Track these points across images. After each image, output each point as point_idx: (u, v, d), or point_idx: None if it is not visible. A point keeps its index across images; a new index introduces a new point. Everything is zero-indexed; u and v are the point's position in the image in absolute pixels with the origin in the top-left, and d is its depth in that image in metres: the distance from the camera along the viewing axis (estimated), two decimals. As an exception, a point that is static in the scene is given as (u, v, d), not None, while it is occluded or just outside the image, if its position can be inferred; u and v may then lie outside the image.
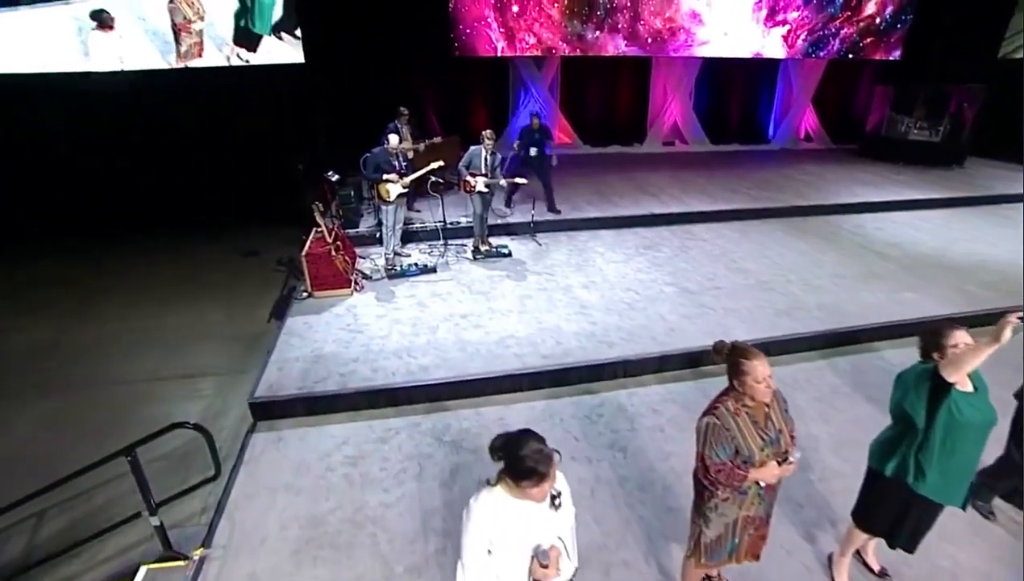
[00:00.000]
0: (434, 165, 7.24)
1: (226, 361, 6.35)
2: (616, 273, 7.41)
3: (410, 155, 8.22)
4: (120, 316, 7.31)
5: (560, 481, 2.27)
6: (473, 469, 4.33)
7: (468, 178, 7.54)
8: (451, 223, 8.17)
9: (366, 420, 4.87)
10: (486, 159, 7.50)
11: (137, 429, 5.13)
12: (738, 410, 2.61)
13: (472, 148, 7.60)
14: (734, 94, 14.75)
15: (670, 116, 14.29)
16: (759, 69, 14.33)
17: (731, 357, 2.63)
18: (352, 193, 8.26)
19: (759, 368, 2.52)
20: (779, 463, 2.61)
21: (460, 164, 7.62)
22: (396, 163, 7.07)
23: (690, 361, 5.66)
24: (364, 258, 7.73)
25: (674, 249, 8.29)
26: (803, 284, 7.15)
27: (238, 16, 9.87)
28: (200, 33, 9.78)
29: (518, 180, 7.54)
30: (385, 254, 7.55)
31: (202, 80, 9.94)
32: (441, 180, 7.41)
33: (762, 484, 2.68)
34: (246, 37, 9.97)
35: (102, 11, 9.22)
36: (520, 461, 2.08)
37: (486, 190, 7.62)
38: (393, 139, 6.91)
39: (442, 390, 5.08)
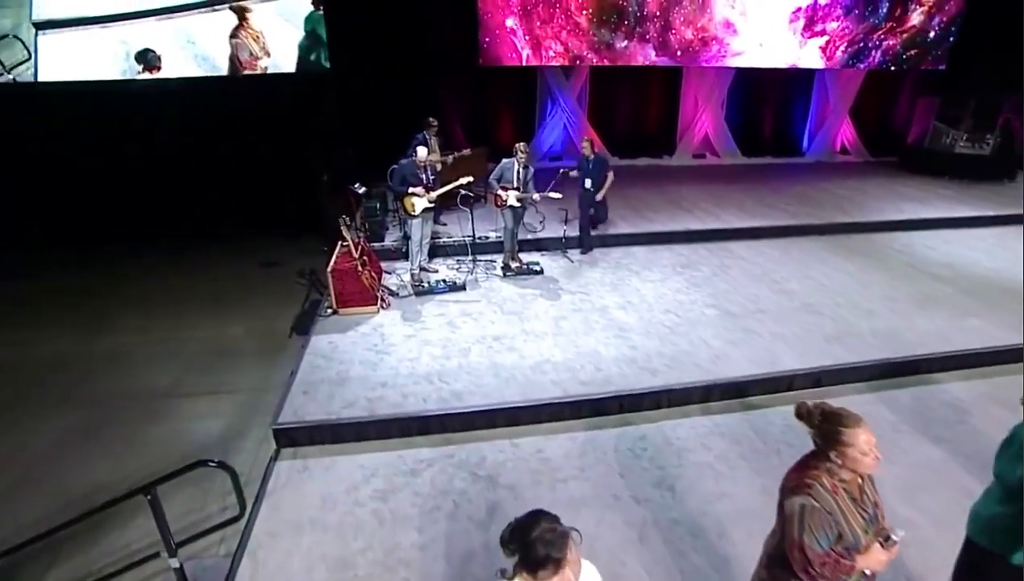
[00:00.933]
0: (462, 180, 7.09)
1: (246, 379, 6.22)
2: (654, 293, 7.16)
3: (438, 167, 8.08)
4: (137, 329, 7.23)
5: (588, 571, 2.00)
6: (510, 508, 4.08)
7: (499, 192, 7.35)
8: (479, 238, 7.97)
9: (396, 450, 4.66)
10: (518, 172, 7.32)
11: (155, 449, 5.02)
12: (835, 486, 2.23)
13: (504, 161, 7.42)
14: (767, 105, 14.46)
15: (701, 127, 14.04)
16: (794, 79, 14.04)
17: (824, 425, 2.26)
18: (377, 205, 8.11)
19: (863, 437, 2.19)
20: (881, 544, 2.29)
21: (491, 177, 7.44)
22: (423, 176, 6.91)
23: (737, 391, 5.39)
24: (389, 273, 7.56)
25: (713, 268, 8.03)
26: (853, 307, 6.84)
27: (306, 50, 9.81)
28: (264, 70, 9.78)
29: (552, 194, 7.32)
30: (411, 269, 7.37)
31: (223, 87, 9.90)
32: (471, 193, 7.20)
33: (867, 572, 2.34)
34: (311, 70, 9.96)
35: (148, 52, 9.16)
36: (532, 548, 1.79)
37: (518, 204, 7.42)
38: (422, 151, 6.77)
39: (477, 419, 4.87)
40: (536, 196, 7.28)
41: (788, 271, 7.92)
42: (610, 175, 8.02)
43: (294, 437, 4.62)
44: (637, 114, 13.83)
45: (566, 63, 12.33)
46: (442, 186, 7.05)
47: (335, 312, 6.45)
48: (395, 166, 8.16)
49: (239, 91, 9.95)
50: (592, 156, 7.93)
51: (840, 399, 5.36)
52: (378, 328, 6.21)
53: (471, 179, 7.15)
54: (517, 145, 7.31)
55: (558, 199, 7.37)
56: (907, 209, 10.49)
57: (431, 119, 8.34)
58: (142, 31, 9.43)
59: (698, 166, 14.03)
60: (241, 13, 9.51)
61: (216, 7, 9.51)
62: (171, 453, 4.93)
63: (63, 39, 9.18)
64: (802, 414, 2.33)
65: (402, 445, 4.71)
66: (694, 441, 4.84)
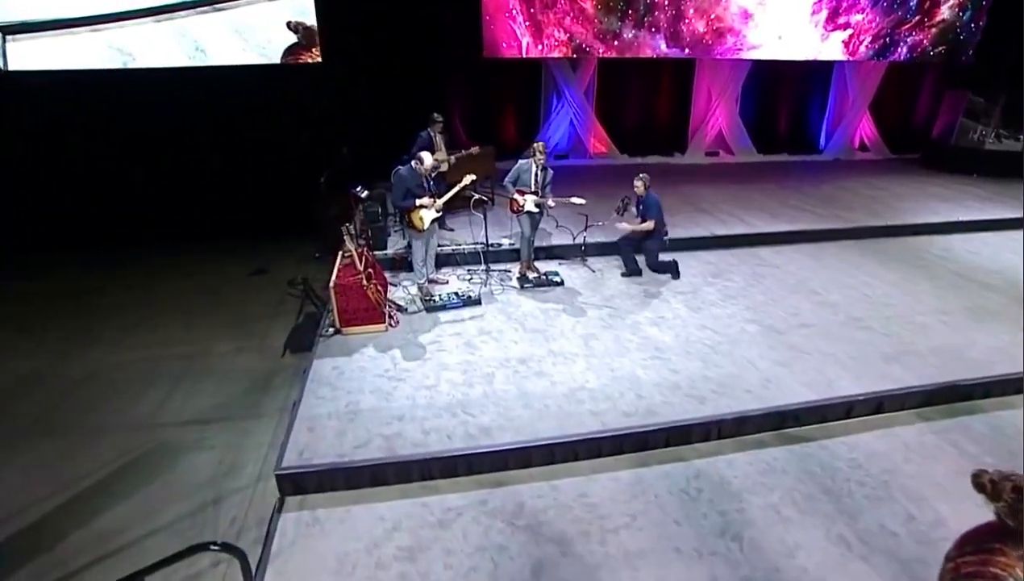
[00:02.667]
0: (466, 180, 6.61)
1: (236, 403, 5.76)
2: (686, 307, 6.77)
3: (443, 167, 7.62)
4: (114, 345, 6.74)
5: None
6: (559, 567, 3.66)
7: (516, 196, 6.92)
8: (492, 245, 7.53)
9: (420, 496, 4.21)
10: (536, 175, 6.89)
11: (136, 493, 4.54)
12: None
13: (520, 161, 7.01)
14: (783, 100, 14.15)
15: (715, 124, 13.70)
16: (812, 73, 13.74)
17: (1019, 501, 1.88)
18: (379, 210, 7.63)
19: None
20: None
21: (506, 179, 7.02)
22: (427, 185, 6.41)
23: (793, 419, 5.02)
24: (395, 285, 7.11)
25: (745, 277, 7.66)
26: (904, 321, 6.50)
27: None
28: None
29: (574, 200, 6.90)
30: (418, 282, 6.91)
31: (209, 80, 9.38)
32: (485, 198, 6.76)
33: None
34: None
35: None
36: None
37: (536, 210, 7.00)
38: (427, 159, 6.25)
39: (510, 458, 4.44)
40: (552, 201, 6.85)
41: (826, 280, 7.58)
42: (650, 224, 7.18)
43: (301, 484, 4.16)
44: (647, 110, 13.46)
45: (569, 54, 11.88)
46: (448, 190, 6.58)
47: (338, 332, 5.99)
48: (397, 171, 7.72)
49: (226, 84, 9.43)
50: (643, 194, 7.20)
51: (906, 428, 5.05)
52: (388, 350, 5.75)
53: (474, 178, 6.68)
54: (535, 144, 6.90)
55: (580, 205, 6.92)
56: (941, 210, 10.21)
57: (436, 115, 7.89)
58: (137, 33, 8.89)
59: (711, 164, 13.70)
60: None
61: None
62: (154, 498, 4.48)
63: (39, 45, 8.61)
64: (983, 485, 1.92)
65: (426, 491, 4.27)
66: (753, 479, 4.44)
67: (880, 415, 5.18)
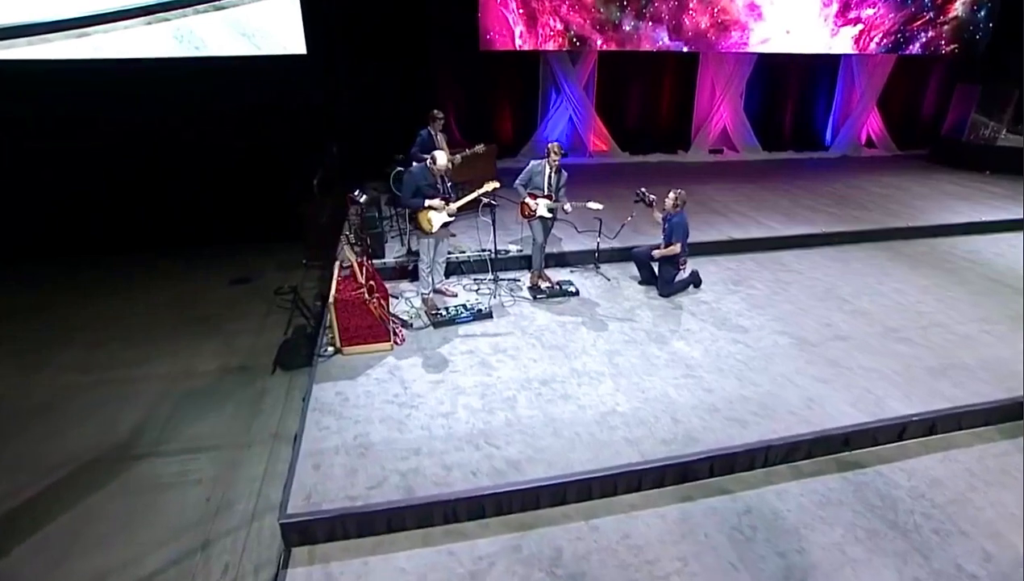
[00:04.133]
0: (487, 187, 6.30)
1: (223, 430, 5.41)
2: (712, 318, 6.51)
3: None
4: (83, 365, 6.34)
5: None
6: (611, 625, 3.32)
7: (528, 200, 6.59)
8: (501, 252, 7.19)
9: (445, 543, 3.86)
10: (550, 177, 6.58)
11: (107, 538, 4.16)
12: None
13: (533, 163, 6.70)
14: (788, 95, 14.01)
15: (719, 120, 13.51)
16: (818, 66, 13.61)
17: None
18: (377, 215, 7.26)
19: None
20: None
21: (517, 182, 6.70)
22: (440, 185, 6.09)
23: (843, 443, 4.76)
24: (396, 298, 6.73)
25: (768, 284, 7.42)
26: (945, 331, 6.29)
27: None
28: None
29: (591, 204, 6.59)
30: (423, 294, 6.55)
31: (183, 73, 8.91)
32: (495, 202, 6.42)
33: None
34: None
35: None
36: None
37: (549, 215, 6.68)
38: (441, 157, 5.94)
39: (542, 494, 4.10)
40: (568, 206, 6.53)
41: (854, 286, 7.37)
42: (676, 247, 6.77)
43: (309, 533, 3.79)
44: (649, 105, 13.22)
45: (566, 46, 11.54)
46: (461, 195, 6.24)
47: (338, 351, 5.60)
48: (401, 169, 7.38)
49: (197, 76, 8.96)
50: (672, 213, 6.77)
51: (966, 451, 4.80)
52: (395, 371, 5.38)
53: (497, 185, 6.36)
54: (549, 145, 6.59)
55: (598, 210, 6.61)
56: (960, 209, 10.11)
57: (436, 112, 7.56)
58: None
59: (716, 162, 13.52)
60: None
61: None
62: (131, 543, 4.12)
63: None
64: None
65: (451, 536, 3.92)
66: (810, 514, 4.16)
67: (935, 436, 4.94)
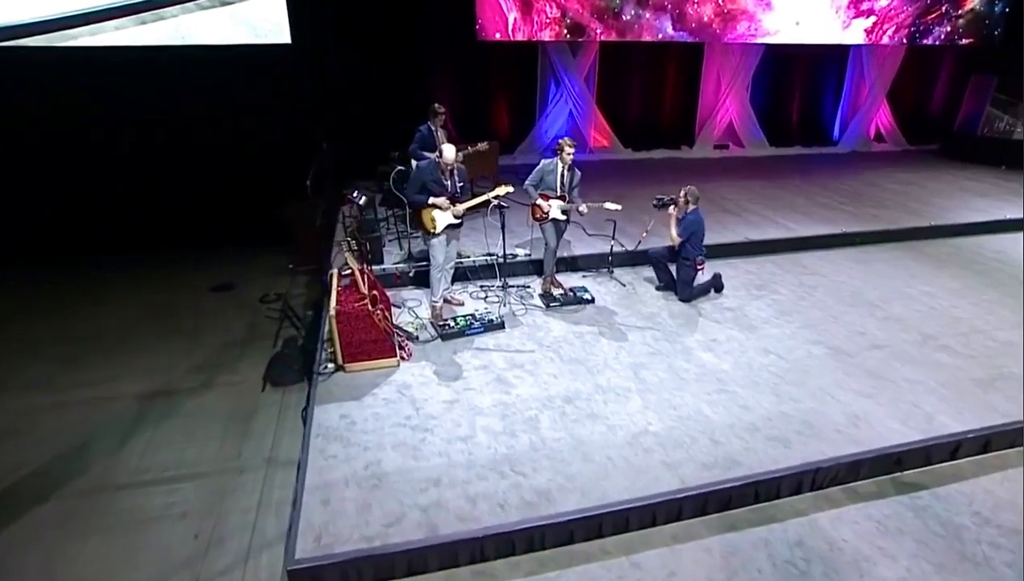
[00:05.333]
0: (500, 190, 6.05)
1: (211, 454, 5.11)
2: (738, 326, 6.33)
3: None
4: (46, 384, 5.97)
5: None
6: (667, 679, 3.08)
7: (540, 202, 6.35)
8: (510, 256, 6.95)
9: (474, 586, 3.58)
10: (562, 175, 6.35)
11: None
12: None
13: (544, 161, 6.46)
14: (795, 87, 13.93)
15: (725, 114, 13.36)
16: (827, 58, 13.53)
17: None
18: (375, 217, 6.99)
19: None
20: None
21: (527, 182, 6.45)
22: (448, 182, 5.83)
23: (895, 463, 4.56)
24: (398, 307, 6.46)
25: (792, 288, 7.25)
26: (985, 338, 6.15)
27: None
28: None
29: (607, 205, 6.37)
30: (433, 302, 6.28)
31: (159, 63, 8.55)
32: (506, 204, 6.16)
33: None
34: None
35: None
36: None
37: (562, 217, 6.45)
38: (449, 151, 5.69)
39: (577, 528, 3.85)
40: (583, 207, 6.29)
41: (883, 290, 7.23)
42: (675, 239, 6.67)
43: (321, 579, 3.48)
44: (652, 99, 13.06)
45: (564, 35, 11.29)
46: (472, 197, 5.98)
47: (339, 368, 5.31)
48: (403, 169, 7.14)
49: (174, 66, 8.61)
50: (688, 211, 6.63)
51: (1041, 475, 4.62)
52: (405, 390, 5.11)
53: (511, 189, 6.11)
54: (561, 140, 6.35)
55: (616, 211, 6.39)
56: (982, 206, 10.06)
57: (437, 106, 7.32)
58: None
59: (722, 159, 13.43)
60: None
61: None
62: None
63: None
64: None
65: (479, 577, 3.67)
66: (867, 544, 3.95)
67: (989, 455, 4.76)
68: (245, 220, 8.93)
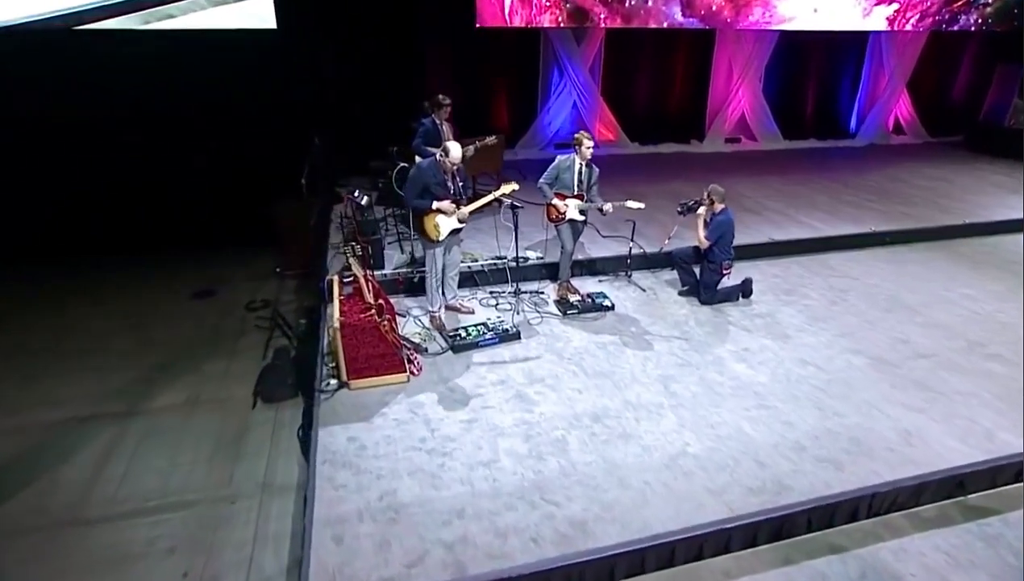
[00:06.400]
0: (505, 188, 5.88)
1: (198, 481, 4.89)
2: (769, 334, 6.20)
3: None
4: (9, 404, 5.69)
5: None
6: None
7: (556, 202, 6.17)
8: (522, 260, 6.77)
9: (508, 632, 3.38)
10: (580, 172, 6.18)
11: None
12: None
13: (559, 157, 6.31)
14: (810, 77, 13.83)
15: (737, 106, 13.24)
16: (844, 45, 13.44)
17: None
18: (374, 218, 6.79)
19: None
20: None
21: (542, 180, 6.29)
22: (452, 184, 5.64)
23: (957, 486, 4.41)
24: (402, 315, 6.28)
25: (823, 293, 7.14)
26: (1041, 347, 6.02)
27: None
28: None
29: (630, 204, 6.21)
30: (430, 311, 6.08)
31: (130, 47, 8.29)
32: (520, 204, 5.98)
33: None
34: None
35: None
36: None
37: (580, 218, 6.28)
38: (455, 149, 5.48)
39: (619, 564, 3.67)
40: (608, 206, 6.12)
41: (920, 294, 7.12)
42: (703, 241, 6.54)
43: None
44: (661, 90, 12.93)
45: (564, 20, 11.08)
46: (475, 198, 5.80)
47: (344, 386, 5.10)
48: (405, 165, 6.94)
49: (148, 51, 8.37)
50: (717, 212, 6.52)
51: None
52: (417, 409, 4.91)
53: (516, 188, 5.92)
54: (578, 135, 6.20)
55: (637, 210, 6.22)
56: (1013, 203, 9.99)
57: (442, 97, 7.13)
58: None
59: (735, 153, 13.33)
60: None
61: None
62: None
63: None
64: None
65: (515, 621, 3.44)
66: (938, 579, 3.77)
67: (1055, 474, 4.60)
68: (227, 220, 8.70)
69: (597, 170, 6.29)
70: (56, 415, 5.53)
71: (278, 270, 8.45)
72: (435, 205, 5.57)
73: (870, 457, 4.51)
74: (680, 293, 6.94)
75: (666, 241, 7.02)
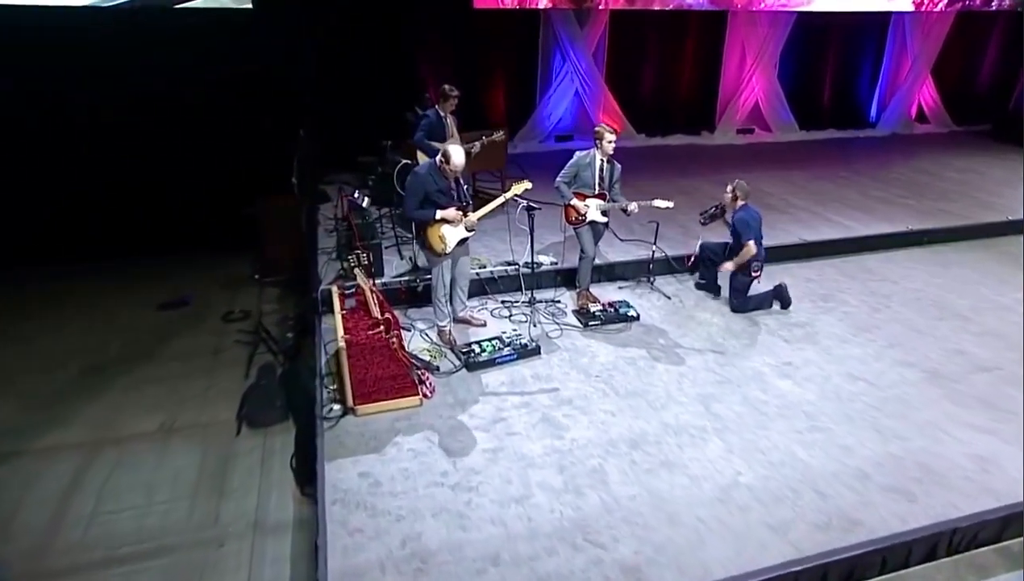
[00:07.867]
0: (516, 188, 5.73)
1: (178, 520, 4.66)
2: (811, 345, 6.11)
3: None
4: None
5: None
6: None
7: (575, 202, 6.01)
8: (538, 266, 6.61)
9: None
10: (601, 169, 6.04)
11: None
12: None
13: (578, 153, 6.20)
14: (828, 62, 13.83)
15: (750, 94, 13.20)
16: (864, 27, 13.45)
17: None
18: (371, 220, 6.59)
19: None
20: None
21: (559, 179, 6.15)
22: (456, 190, 5.45)
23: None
24: (407, 329, 6.08)
25: (863, 298, 7.06)
26: (1112, 359, 5.95)
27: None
28: None
29: (658, 202, 6.07)
30: (439, 326, 5.89)
31: (92, 28, 8.03)
32: (537, 206, 5.81)
33: None
34: None
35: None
36: None
37: (603, 219, 6.13)
38: (457, 154, 5.26)
39: (678, 615, 3.48)
40: (633, 206, 5.98)
41: (970, 299, 7.07)
42: (751, 247, 6.31)
43: None
44: (669, 77, 12.86)
45: (566, 3, 10.95)
46: (484, 202, 5.63)
47: (350, 411, 4.89)
48: (408, 163, 6.76)
49: (109, 33, 8.14)
50: (734, 208, 6.46)
51: None
52: (434, 438, 4.71)
53: (529, 186, 5.76)
54: (598, 128, 6.10)
55: (667, 209, 6.09)
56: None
57: (449, 88, 6.97)
58: None
59: (748, 144, 13.30)
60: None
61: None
62: None
63: None
64: None
65: None
66: (1028, 621, 3.64)
67: None
68: (197, 221, 8.49)
69: (619, 166, 6.19)
70: (14, 446, 5.26)
71: (256, 276, 8.23)
72: (439, 214, 5.37)
73: (943, 486, 4.38)
74: (697, 286, 6.99)
75: (689, 261, 7.06)
